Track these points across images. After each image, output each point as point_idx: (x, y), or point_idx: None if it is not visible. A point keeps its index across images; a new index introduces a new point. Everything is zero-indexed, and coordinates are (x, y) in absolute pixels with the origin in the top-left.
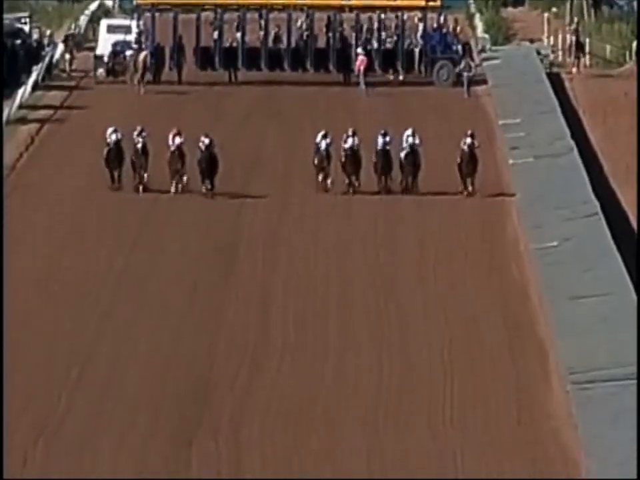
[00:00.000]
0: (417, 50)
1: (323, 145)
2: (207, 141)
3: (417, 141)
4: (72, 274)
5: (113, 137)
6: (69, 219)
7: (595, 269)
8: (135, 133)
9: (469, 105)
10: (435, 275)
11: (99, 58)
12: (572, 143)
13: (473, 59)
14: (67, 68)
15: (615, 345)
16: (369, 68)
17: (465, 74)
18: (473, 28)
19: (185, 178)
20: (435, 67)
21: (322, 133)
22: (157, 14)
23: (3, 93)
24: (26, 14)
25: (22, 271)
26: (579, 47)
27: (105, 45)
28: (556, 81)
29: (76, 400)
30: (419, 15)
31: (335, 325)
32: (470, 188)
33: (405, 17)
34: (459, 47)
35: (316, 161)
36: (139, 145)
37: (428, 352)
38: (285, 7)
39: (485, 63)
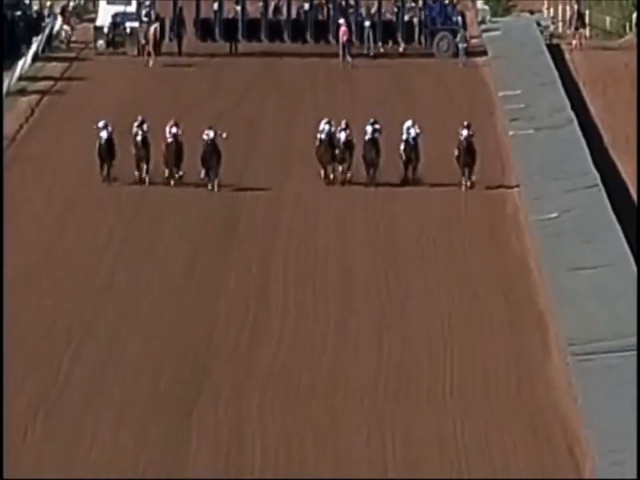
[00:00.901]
0: (416, 21)
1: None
2: (211, 134)
3: (418, 132)
4: (72, 246)
5: (104, 133)
6: (68, 190)
7: (595, 240)
8: (136, 124)
9: (469, 76)
10: (435, 247)
11: (98, 29)
12: (572, 114)
13: (466, 30)
14: (64, 39)
15: (615, 316)
16: (351, 39)
17: (460, 45)
18: (473, 0)
19: (181, 172)
20: (435, 39)
21: (325, 120)
22: None
23: (3, 64)
24: None
25: (22, 242)
26: (580, 18)
27: (105, 16)
28: (556, 53)
29: (75, 372)
30: None
31: (335, 297)
32: (469, 180)
33: None
34: (459, 19)
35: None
36: (139, 138)
37: (428, 324)
38: None
39: (484, 35)
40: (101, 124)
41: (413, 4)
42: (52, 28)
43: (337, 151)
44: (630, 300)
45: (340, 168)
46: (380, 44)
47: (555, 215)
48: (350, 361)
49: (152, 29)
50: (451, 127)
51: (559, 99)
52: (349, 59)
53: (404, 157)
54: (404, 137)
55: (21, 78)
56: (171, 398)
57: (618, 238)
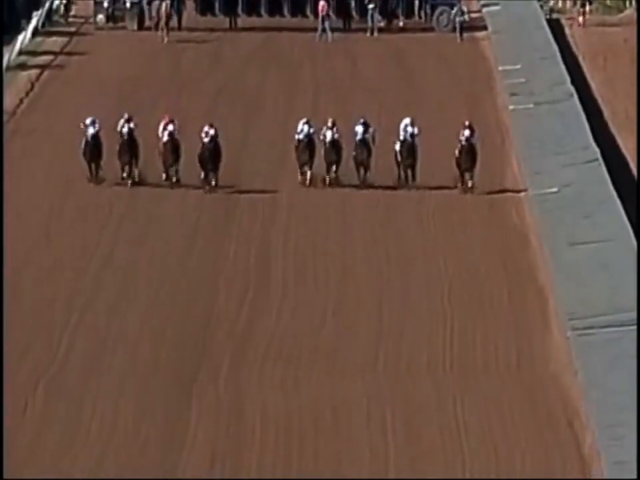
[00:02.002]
0: None
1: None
2: (212, 131)
3: (416, 131)
4: (72, 219)
5: (90, 129)
6: (69, 164)
7: (595, 215)
8: (122, 121)
9: (469, 51)
10: (435, 221)
11: (98, 4)
12: (572, 89)
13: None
14: (62, 13)
15: (615, 291)
16: (329, 13)
17: (457, 19)
18: None
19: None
20: (434, 13)
21: (304, 120)
22: None
23: (3, 39)
24: None
25: (22, 216)
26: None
27: None
28: (556, 27)
29: (76, 346)
30: None
31: (335, 270)
32: (469, 183)
33: None
34: None
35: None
36: (125, 130)
37: (428, 298)
38: None
39: (484, 9)
40: (88, 121)
41: None
42: (52, 2)
43: (315, 152)
44: (630, 274)
45: (326, 169)
46: (380, 18)
47: (555, 189)
48: (349, 336)
49: (163, 5)
50: (451, 103)
51: (559, 74)
52: (329, 33)
53: (399, 158)
54: (401, 136)
55: (21, 52)
56: (171, 372)
57: (618, 212)
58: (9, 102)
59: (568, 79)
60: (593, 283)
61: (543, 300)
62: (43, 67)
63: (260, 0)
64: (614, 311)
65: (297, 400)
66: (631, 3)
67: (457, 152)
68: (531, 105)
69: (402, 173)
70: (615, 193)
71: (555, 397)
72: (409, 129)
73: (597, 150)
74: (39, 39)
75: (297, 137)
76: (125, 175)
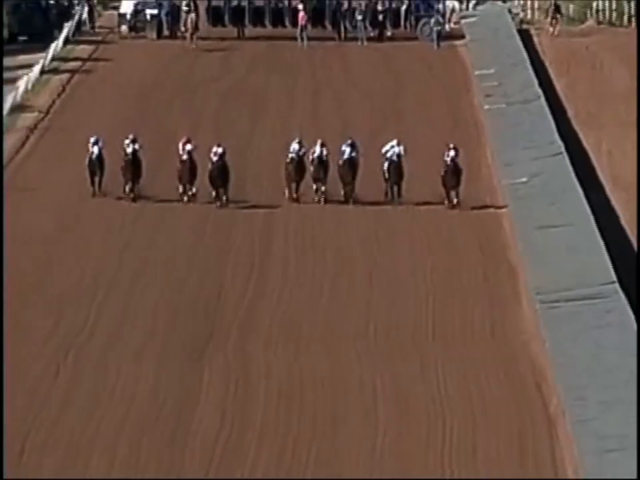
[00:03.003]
0: (402, 9)
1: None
2: (220, 150)
3: (402, 151)
4: (98, 206)
5: (95, 148)
6: None
7: (560, 202)
8: (127, 141)
9: (449, 57)
10: (420, 209)
11: (122, 16)
12: (539, 91)
13: (444, 16)
14: (88, 24)
15: (578, 268)
16: (307, 24)
17: (435, 28)
18: None
19: (194, 189)
20: (418, 24)
21: (297, 140)
22: None
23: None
24: None
25: (52, 204)
26: (557, 9)
27: (127, 4)
28: (525, 37)
29: (101, 319)
30: None
31: (331, 251)
32: (454, 200)
33: None
34: (440, 6)
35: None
36: (130, 150)
37: (413, 276)
38: None
39: (462, 20)
40: (92, 139)
41: None
42: (81, 14)
43: (305, 171)
44: (591, 254)
45: (314, 186)
46: (370, 29)
47: (524, 179)
48: (344, 310)
49: (190, 16)
50: (433, 103)
51: (528, 77)
52: (305, 41)
53: (387, 176)
54: (388, 155)
55: (53, 59)
56: (185, 341)
57: (580, 200)
58: (43, 102)
59: (536, 82)
60: (559, 262)
61: (514, 277)
62: (72, 72)
63: (264, 12)
64: (577, 286)
65: (297, 365)
66: (591, 14)
67: (442, 172)
68: (504, 105)
69: (389, 189)
70: (577, 183)
71: (525, 363)
72: (395, 149)
73: (562, 144)
74: (69, 47)
75: (289, 155)
76: (127, 190)
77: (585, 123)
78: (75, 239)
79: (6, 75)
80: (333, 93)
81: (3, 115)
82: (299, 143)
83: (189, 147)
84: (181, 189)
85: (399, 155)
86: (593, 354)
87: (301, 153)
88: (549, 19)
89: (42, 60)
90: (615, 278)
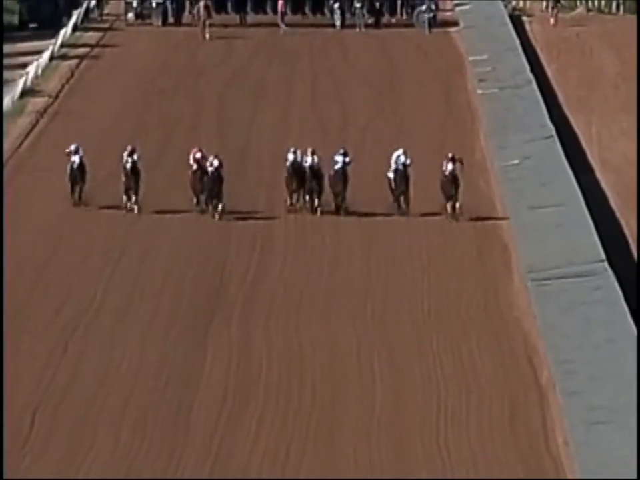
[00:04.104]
0: None
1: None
2: (216, 162)
3: (408, 161)
4: (106, 186)
5: (75, 157)
6: (103, 138)
7: (551, 183)
8: (125, 154)
9: (444, 44)
10: (416, 191)
11: (128, 4)
12: (531, 76)
13: (436, 3)
14: (95, 12)
15: (568, 247)
16: (286, 11)
17: (426, 15)
18: None
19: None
20: (414, 12)
21: (292, 149)
22: None
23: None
24: None
25: (62, 185)
26: (557, 0)
27: None
28: (517, 24)
29: (108, 296)
30: None
31: (330, 232)
32: (455, 208)
33: None
34: None
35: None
36: (129, 166)
37: (409, 254)
38: None
39: (457, 8)
40: (72, 147)
41: None
42: (89, 2)
43: (305, 179)
44: (580, 233)
45: (307, 197)
46: (368, 16)
47: (516, 161)
48: (342, 287)
49: (201, 4)
50: (429, 87)
51: (520, 63)
52: (284, 26)
53: (394, 186)
54: (393, 166)
55: (62, 45)
56: (190, 317)
57: (570, 181)
58: (52, 87)
59: (528, 67)
60: (549, 240)
61: (506, 255)
62: (81, 58)
63: (266, 0)
64: (567, 264)
65: (297, 341)
66: (581, 2)
67: (440, 181)
68: (496, 90)
69: (395, 198)
70: (567, 164)
71: (517, 337)
72: (402, 158)
73: (552, 128)
74: (78, 33)
75: (286, 164)
76: (128, 203)
77: (575, 108)
78: (84, 218)
79: (16, 60)
80: (332, 78)
81: (2, 111)
82: (294, 152)
83: (198, 155)
84: (195, 201)
85: (404, 165)
86: (582, 329)
87: (297, 162)
88: (549, 10)
89: (51, 46)
90: (603, 256)
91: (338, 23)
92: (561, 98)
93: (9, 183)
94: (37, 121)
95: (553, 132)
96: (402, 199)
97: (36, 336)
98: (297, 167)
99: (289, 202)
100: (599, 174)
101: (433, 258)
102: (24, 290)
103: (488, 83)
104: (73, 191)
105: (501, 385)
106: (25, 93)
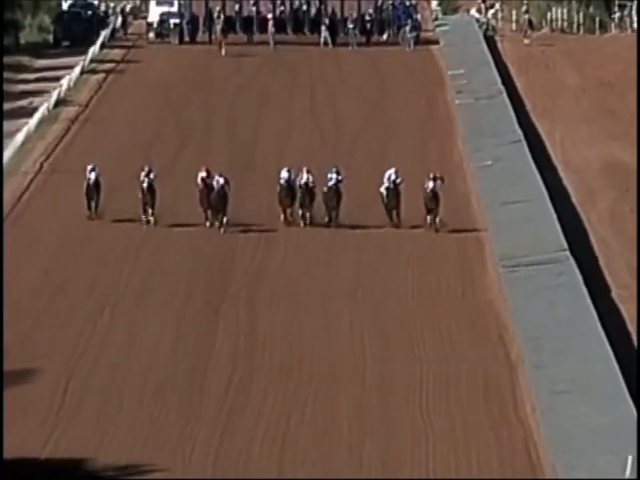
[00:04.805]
0: (386, 18)
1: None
2: (221, 180)
3: (399, 180)
4: (131, 187)
5: (92, 175)
6: (127, 140)
7: (519, 182)
8: (143, 174)
9: (426, 60)
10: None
11: (150, 24)
12: (502, 88)
13: (419, 24)
14: (121, 32)
15: (535, 238)
16: (277, 29)
17: (409, 35)
18: (428, 2)
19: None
20: (400, 32)
21: (286, 168)
22: None
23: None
24: None
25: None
26: (530, 24)
27: (154, 14)
28: (490, 42)
29: (131, 280)
30: None
31: (325, 236)
32: (433, 223)
33: None
34: (419, 17)
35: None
36: (145, 185)
37: (396, 244)
38: None
39: (437, 28)
40: (89, 167)
41: (385, 7)
42: (115, 23)
43: (296, 197)
44: (545, 226)
45: (300, 211)
46: (359, 35)
47: (489, 162)
48: (336, 273)
49: (219, 28)
50: (412, 98)
51: (492, 77)
52: (271, 43)
53: (386, 202)
54: (386, 184)
55: (92, 61)
56: (203, 300)
57: (536, 180)
58: (83, 97)
59: (499, 80)
60: (518, 232)
61: (481, 245)
62: (108, 72)
63: (269, 21)
64: (534, 253)
65: (297, 320)
66: (546, 23)
67: (423, 197)
68: (472, 100)
69: (388, 212)
70: (534, 165)
71: (490, 317)
72: (393, 177)
73: (521, 133)
74: (105, 50)
75: (280, 181)
76: (145, 218)
77: (541, 115)
78: (109, 216)
79: (51, 74)
80: (327, 89)
81: (2, 125)
82: (289, 171)
83: (204, 174)
84: (205, 217)
85: (394, 182)
86: (547, 310)
87: (291, 180)
88: (523, 31)
89: (82, 62)
90: (566, 246)
91: (323, 41)
92: (529, 107)
93: (46, 181)
94: (69, 127)
95: (522, 137)
96: (394, 213)
97: (69, 315)
98: (289, 185)
99: (282, 217)
100: (561, 174)
101: (417, 249)
102: (60, 274)
103: (464, 94)
104: (89, 206)
105: (476, 359)
106: (59, 102)
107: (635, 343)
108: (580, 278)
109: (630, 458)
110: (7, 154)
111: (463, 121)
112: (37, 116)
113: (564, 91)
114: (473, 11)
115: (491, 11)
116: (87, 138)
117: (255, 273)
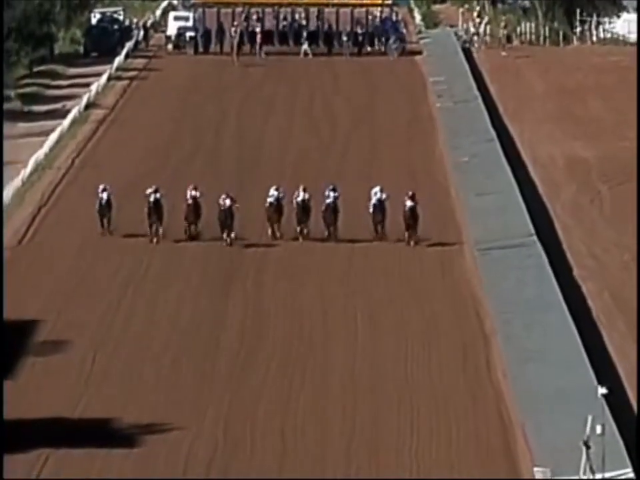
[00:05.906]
0: (376, 32)
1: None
2: (227, 201)
3: (384, 197)
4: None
5: (104, 194)
6: (150, 139)
7: (492, 175)
8: (150, 190)
9: (411, 68)
10: (383, 184)
11: (168, 37)
12: (477, 93)
13: (404, 36)
14: (143, 43)
15: (507, 225)
16: (265, 42)
17: (395, 46)
18: (413, 18)
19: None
20: (388, 43)
21: (275, 187)
22: (206, 8)
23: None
24: (120, 8)
25: (116, 176)
26: (509, 39)
27: (172, 28)
28: (467, 53)
29: (153, 263)
30: (378, 9)
31: (320, 243)
32: (413, 238)
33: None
34: (404, 31)
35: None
36: (152, 200)
37: (382, 240)
38: (289, 4)
39: (421, 41)
40: (101, 187)
41: (374, 22)
42: (138, 36)
43: (283, 213)
44: (515, 214)
45: (297, 228)
46: (351, 46)
47: (466, 159)
48: (331, 261)
49: (235, 40)
50: (399, 101)
51: (469, 83)
52: (263, 55)
53: (372, 217)
54: (373, 201)
55: (117, 69)
56: (215, 280)
57: (507, 174)
58: (109, 101)
59: (475, 86)
60: (492, 219)
61: (459, 231)
62: (131, 79)
63: (273, 35)
64: (505, 238)
65: (297, 297)
66: (516, 36)
67: (402, 214)
68: (451, 104)
69: (374, 227)
70: (505, 161)
71: (466, 294)
72: (378, 194)
73: (494, 133)
74: (129, 60)
75: (268, 199)
76: (152, 233)
77: (511, 117)
78: (131, 209)
79: (81, 80)
80: (323, 96)
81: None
82: (277, 189)
83: (193, 192)
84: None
85: (380, 200)
86: (517, 288)
87: (280, 198)
88: (500, 45)
89: (109, 70)
90: (533, 232)
91: (307, 50)
92: (501, 110)
93: (77, 175)
94: (98, 128)
95: (494, 136)
96: (379, 226)
97: (97, 294)
98: (278, 203)
99: (270, 232)
100: (529, 168)
101: (402, 231)
102: (90, 256)
103: (444, 98)
104: (102, 223)
105: (454, 331)
106: (89, 105)
107: (595, 316)
108: (545, 260)
109: (590, 417)
110: (42, 150)
111: (443, 122)
112: (70, 117)
113: (532, 96)
114: (469, 25)
115: (484, 21)
116: (113, 137)
117: (259, 260)
